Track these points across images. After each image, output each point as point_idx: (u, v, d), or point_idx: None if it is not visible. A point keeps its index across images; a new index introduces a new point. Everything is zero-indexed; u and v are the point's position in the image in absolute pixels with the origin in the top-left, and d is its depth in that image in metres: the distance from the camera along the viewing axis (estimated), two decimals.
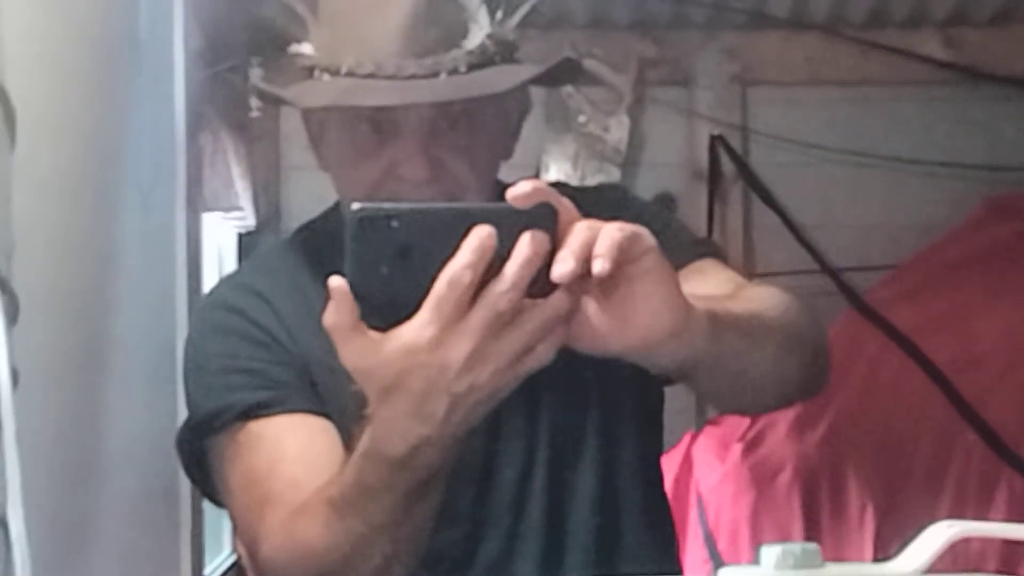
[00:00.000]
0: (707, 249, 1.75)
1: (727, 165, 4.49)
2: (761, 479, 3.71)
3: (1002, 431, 3.53)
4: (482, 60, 1.57)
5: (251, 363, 1.63)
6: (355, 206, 1.20)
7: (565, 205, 1.22)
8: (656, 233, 1.25)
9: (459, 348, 1.20)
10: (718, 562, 3.68)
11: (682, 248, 1.61)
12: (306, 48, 1.64)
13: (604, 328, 1.24)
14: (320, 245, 1.72)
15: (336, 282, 1.21)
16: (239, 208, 3.71)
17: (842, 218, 4.49)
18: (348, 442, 1.43)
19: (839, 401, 3.64)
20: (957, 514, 3.34)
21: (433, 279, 1.19)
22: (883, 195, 4.51)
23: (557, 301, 1.21)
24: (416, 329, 1.21)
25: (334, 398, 1.59)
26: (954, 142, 4.47)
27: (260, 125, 4.09)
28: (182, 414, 1.73)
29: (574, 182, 4.02)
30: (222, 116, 3.45)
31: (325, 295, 1.23)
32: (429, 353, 1.21)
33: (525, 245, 1.18)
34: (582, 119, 4.42)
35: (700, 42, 4.50)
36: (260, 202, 4.04)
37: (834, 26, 4.45)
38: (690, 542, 3.76)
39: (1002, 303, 3.78)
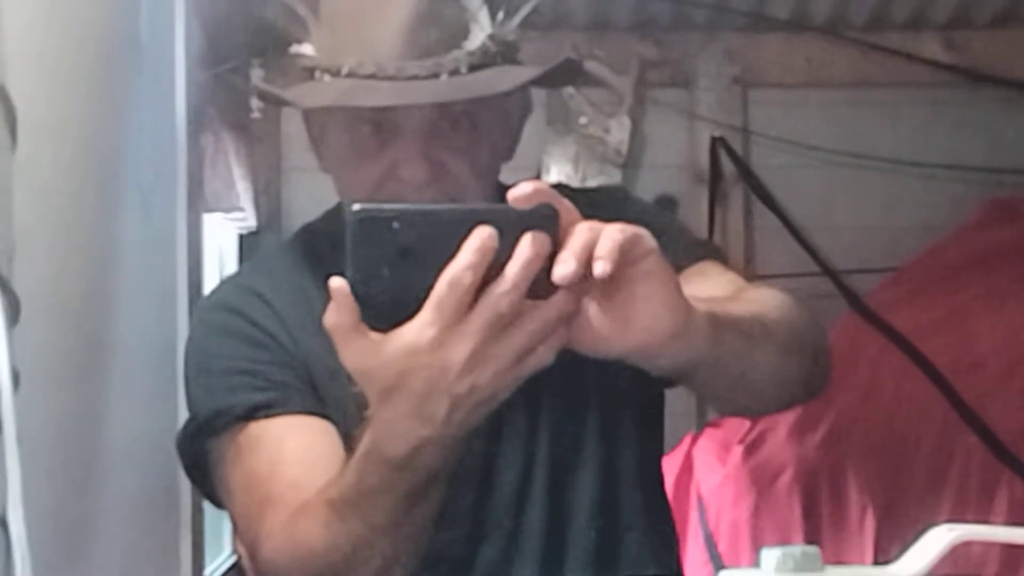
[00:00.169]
0: (708, 252, 1.74)
1: (728, 167, 4.49)
2: (761, 481, 3.71)
3: (1002, 434, 3.53)
4: (483, 61, 1.57)
5: (252, 364, 1.63)
6: (356, 207, 1.20)
7: (566, 206, 1.22)
8: (657, 235, 1.25)
9: (460, 349, 1.20)
10: (718, 564, 3.68)
11: (683, 250, 1.61)
12: (307, 49, 1.64)
13: (605, 330, 1.24)
14: (321, 246, 1.72)
15: (337, 283, 1.21)
16: (240, 209, 3.71)
17: (843, 220, 4.49)
18: (349, 444, 1.43)
19: (840, 403, 3.64)
20: (958, 516, 3.35)
21: (434, 280, 1.19)
22: (884, 197, 4.50)
23: (558, 302, 1.21)
24: (417, 330, 1.21)
25: (335, 399, 1.59)
26: (955, 144, 4.47)
27: (261, 126, 4.09)
28: (182, 415, 1.73)
29: (575, 184, 4.01)
30: (223, 117, 3.45)
31: (326, 296, 1.23)
32: (430, 354, 1.21)
33: (526, 246, 1.18)
34: (583, 120, 4.42)
35: (701, 44, 4.50)
36: (261, 203, 4.05)
37: (835, 28, 4.45)
38: (691, 544, 3.76)
39: (1003, 305, 3.78)
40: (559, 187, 1.32)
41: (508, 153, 1.70)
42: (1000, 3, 4.36)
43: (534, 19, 1.68)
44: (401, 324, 1.22)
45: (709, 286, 1.56)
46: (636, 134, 4.47)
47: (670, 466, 3.70)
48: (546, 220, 1.20)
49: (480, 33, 1.58)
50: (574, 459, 1.68)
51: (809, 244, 4.37)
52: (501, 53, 1.59)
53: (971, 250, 4.04)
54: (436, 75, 1.54)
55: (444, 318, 1.20)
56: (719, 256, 1.75)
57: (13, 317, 1.43)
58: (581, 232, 1.20)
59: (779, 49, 4.50)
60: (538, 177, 3.84)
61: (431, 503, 1.38)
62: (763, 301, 1.54)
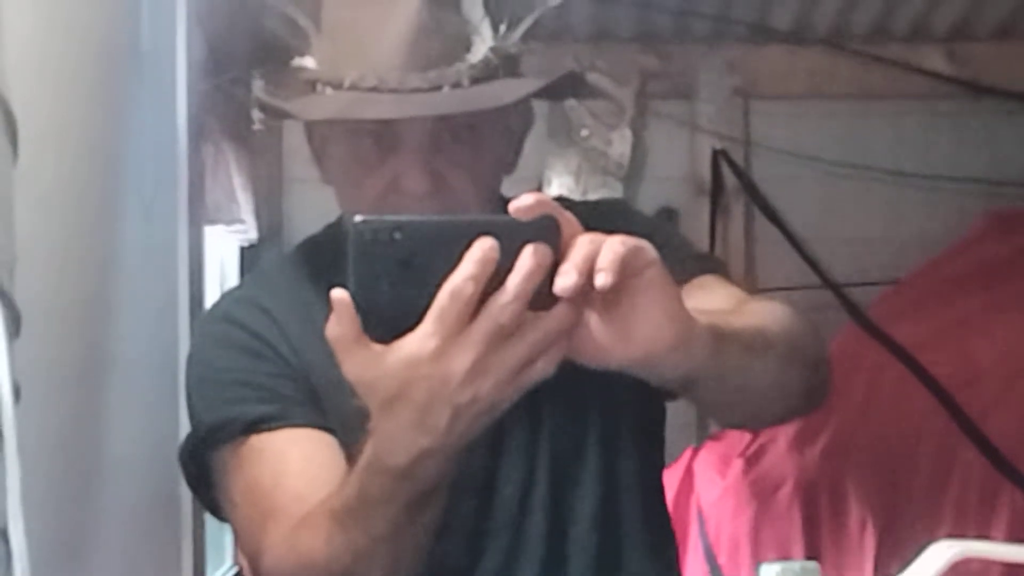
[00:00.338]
0: (709, 265, 1.74)
1: (729, 178, 4.49)
2: (762, 494, 3.70)
3: (1003, 446, 3.52)
4: (485, 73, 1.57)
5: (254, 376, 1.63)
6: (358, 218, 1.20)
7: (568, 218, 1.22)
8: (658, 248, 1.25)
9: (461, 360, 1.20)
10: None
11: (684, 263, 1.61)
12: (309, 61, 1.64)
13: (606, 341, 1.24)
14: (322, 258, 1.71)
15: (339, 294, 1.21)
16: (241, 221, 3.71)
17: (844, 232, 4.49)
18: (350, 456, 1.43)
19: (840, 416, 3.64)
20: (958, 530, 3.34)
21: (436, 291, 1.19)
22: (885, 209, 4.51)
23: (560, 314, 1.21)
24: (418, 341, 1.21)
25: (336, 411, 1.59)
26: (956, 156, 4.47)
27: (262, 138, 4.09)
28: (183, 426, 1.73)
29: (576, 196, 4.02)
30: (224, 128, 3.45)
31: (327, 308, 1.23)
32: (431, 365, 1.21)
33: (528, 257, 1.18)
34: (584, 133, 4.42)
35: (703, 55, 4.50)
36: (262, 215, 4.04)
37: (837, 39, 4.46)
38: (691, 557, 3.76)
39: (1003, 318, 3.78)
40: (560, 200, 1.32)
41: (510, 166, 1.70)
42: (1002, 15, 4.37)
43: (536, 31, 1.68)
44: (403, 335, 1.22)
45: (710, 299, 1.56)
46: (638, 146, 4.47)
47: (671, 479, 3.70)
48: (548, 232, 1.20)
49: (482, 45, 1.59)
50: (575, 470, 1.68)
51: (810, 256, 4.37)
52: (503, 66, 1.60)
53: (971, 263, 4.03)
54: (438, 88, 1.54)
55: (446, 329, 1.20)
56: (720, 269, 1.75)
57: (14, 329, 1.43)
58: (583, 244, 1.20)
59: (780, 60, 4.50)
60: (539, 189, 3.84)
61: (432, 513, 1.38)
62: (764, 313, 1.54)
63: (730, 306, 1.57)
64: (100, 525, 2.06)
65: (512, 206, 1.21)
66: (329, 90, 1.59)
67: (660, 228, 1.81)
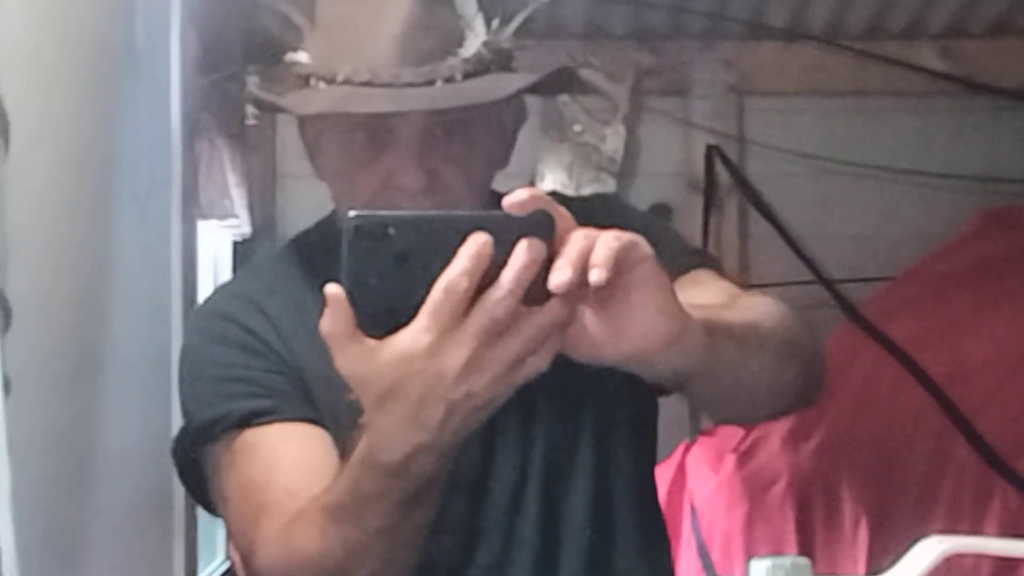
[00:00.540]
0: (702, 260, 1.74)
1: (723, 175, 4.49)
2: (755, 490, 3.71)
3: (997, 443, 3.53)
4: (478, 68, 1.57)
5: (246, 372, 1.63)
6: (351, 214, 1.19)
7: (562, 213, 1.22)
8: (652, 243, 1.25)
9: (456, 355, 1.20)
10: (711, 573, 3.68)
11: (677, 258, 1.61)
12: (302, 56, 1.64)
13: (600, 337, 1.23)
14: (316, 254, 1.71)
15: (332, 289, 1.21)
16: (235, 216, 3.71)
17: (838, 229, 4.50)
18: (343, 451, 1.43)
19: (834, 412, 3.64)
20: (951, 526, 3.35)
21: (429, 286, 1.18)
22: (880, 206, 4.51)
23: (553, 309, 1.20)
24: (412, 336, 1.20)
25: (329, 407, 1.59)
26: (951, 153, 4.48)
27: (256, 133, 4.09)
28: (176, 422, 1.72)
29: (569, 192, 4.02)
30: (218, 124, 3.45)
31: (321, 303, 1.23)
32: (426, 360, 1.20)
33: (522, 252, 1.18)
34: (578, 128, 4.42)
35: (697, 52, 4.50)
36: (256, 210, 4.05)
37: (831, 37, 4.46)
38: (684, 553, 3.76)
39: (997, 315, 3.79)
40: (553, 195, 1.32)
41: (502, 161, 1.70)
42: (997, 12, 4.37)
43: (529, 27, 1.68)
44: (397, 330, 1.21)
45: (704, 294, 1.56)
46: (631, 142, 4.47)
47: (663, 475, 3.70)
48: (542, 227, 1.19)
49: (475, 41, 1.59)
50: (568, 466, 1.68)
51: (804, 253, 4.37)
52: (496, 61, 1.60)
53: (966, 260, 4.04)
54: (431, 82, 1.54)
55: (440, 324, 1.19)
56: (714, 264, 1.75)
57: (4, 324, 1.43)
58: (577, 239, 1.20)
59: (775, 57, 4.51)
60: (532, 185, 3.84)
61: (426, 509, 1.37)
62: (758, 308, 1.54)
63: (723, 301, 1.57)
64: (91, 520, 2.05)
65: (506, 201, 1.21)
66: (322, 85, 1.59)
67: (653, 224, 1.81)
